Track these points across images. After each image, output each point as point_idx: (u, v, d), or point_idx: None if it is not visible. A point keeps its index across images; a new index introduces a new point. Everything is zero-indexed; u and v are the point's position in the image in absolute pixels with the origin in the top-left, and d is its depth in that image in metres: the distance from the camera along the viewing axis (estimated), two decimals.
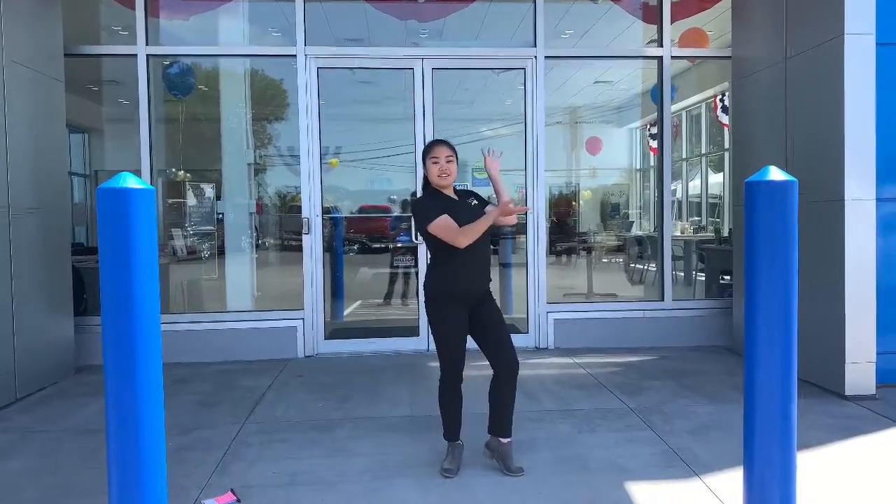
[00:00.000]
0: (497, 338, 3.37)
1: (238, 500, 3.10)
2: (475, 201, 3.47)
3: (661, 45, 6.48)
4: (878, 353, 4.65)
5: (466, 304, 3.36)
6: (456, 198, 3.44)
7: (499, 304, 3.50)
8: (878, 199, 4.65)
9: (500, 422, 3.40)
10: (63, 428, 4.24)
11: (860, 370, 4.61)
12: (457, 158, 3.39)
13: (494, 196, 3.50)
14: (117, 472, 2.06)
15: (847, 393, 4.59)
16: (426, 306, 3.40)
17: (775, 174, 2.38)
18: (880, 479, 3.34)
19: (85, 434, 4.09)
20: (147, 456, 2.06)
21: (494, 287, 3.62)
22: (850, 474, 3.38)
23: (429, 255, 3.62)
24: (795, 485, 2.42)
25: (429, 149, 3.41)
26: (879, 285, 4.65)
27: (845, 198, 4.59)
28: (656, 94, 6.70)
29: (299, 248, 6.29)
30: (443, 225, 3.23)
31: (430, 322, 3.42)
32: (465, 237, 3.21)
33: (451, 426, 3.46)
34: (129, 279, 2.01)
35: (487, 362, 3.37)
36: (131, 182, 2.01)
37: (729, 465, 3.40)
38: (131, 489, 2.05)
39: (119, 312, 2.01)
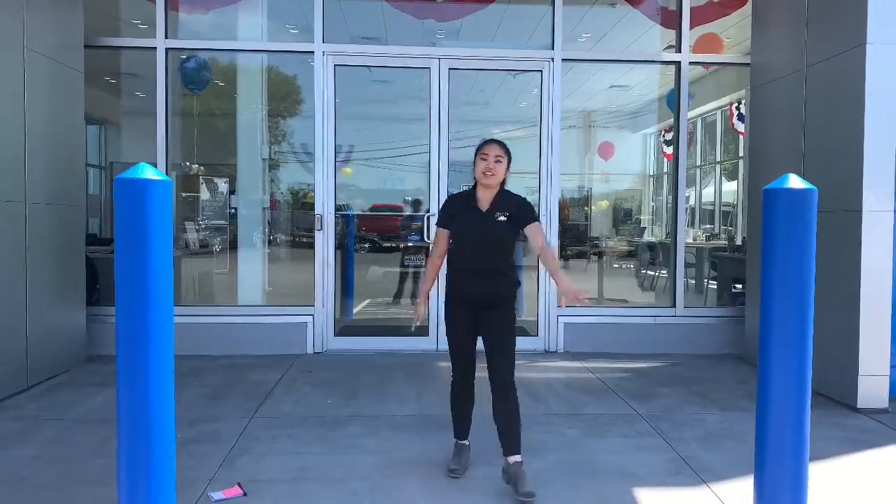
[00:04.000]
0: (491, 347, 3.25)
1: (245, 494, 3.11)
2: (505, 217, 3.23)
3: (680, 50, 6.45)
4: (891, 367, 4.60)
5: (469, 306, 3.30)
6: (487, 204, 3.26)
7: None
8: (895, 212, 4.60)
9: (502, 437, 3.24)
10: (73, 417, 4.27)
11: (873, 383, 4.56)
12: (509, 161, 3.28)
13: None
14: (127, 460, 2.07)
15: (859, 406, 4.55)
16: None
17: (794, 182, 2.36)
18: (891, 492, 3.30)
19: (94, 423, 4.12)
20: (157, 446, 2.07)
21: None
22: (860, 487, 3.34)
23: None
24: (806, 496, 2.40)
25: (481, 145, 3.33)
26: (895, 298, 4.60)
27: (863, 209, 4.54)
28: (672, 100, 6.67)
29: (311, 245, 6.31)
30: (435, 235, 3.41)
31: None
32: (432, 257, 3.45)
33: (457, 425, 3.48)
34: (144, 270, 2.02)
35: None
36: (149, 173, 2.03)
37: (738, 474, 3.37)
38: (140, 479, 2.06)
39: (134, 302, 2.03)
